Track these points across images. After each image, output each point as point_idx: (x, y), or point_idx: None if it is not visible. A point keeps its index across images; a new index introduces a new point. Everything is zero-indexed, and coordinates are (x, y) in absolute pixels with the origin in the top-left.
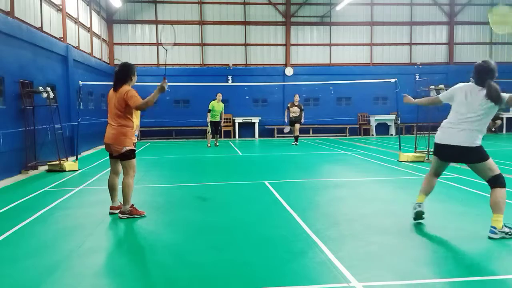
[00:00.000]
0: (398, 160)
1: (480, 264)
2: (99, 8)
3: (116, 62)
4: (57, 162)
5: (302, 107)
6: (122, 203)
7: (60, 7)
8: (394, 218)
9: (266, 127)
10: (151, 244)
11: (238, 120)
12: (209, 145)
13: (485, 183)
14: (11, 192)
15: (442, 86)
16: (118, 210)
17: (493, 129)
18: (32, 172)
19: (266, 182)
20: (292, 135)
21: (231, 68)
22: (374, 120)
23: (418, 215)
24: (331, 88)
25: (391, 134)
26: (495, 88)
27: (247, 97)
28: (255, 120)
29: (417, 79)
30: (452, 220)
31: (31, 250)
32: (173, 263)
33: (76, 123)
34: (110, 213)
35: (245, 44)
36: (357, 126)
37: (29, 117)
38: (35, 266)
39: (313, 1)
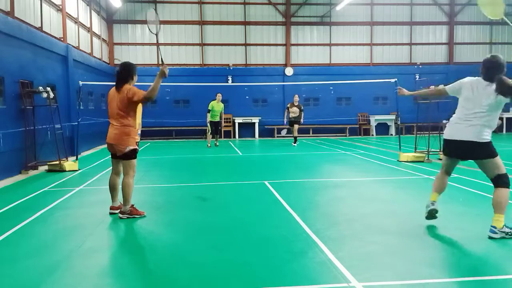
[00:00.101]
0: (398, 160)
1: (480, 264)
2: (99, 8)
3: (116, 62)
4: (57, 162)
5: (302, 108)
6: (122, 203)
7: (60, 7)
8: (394, 218)
9: (266, 127)
10: (151, 244)
11: (238, 120)
12: (209, 145)
13: (486, 183)
14: (11, 192)
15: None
16: (118, 210)
17: (494, 129)
18: (32, 172)
19: (266, 182)
20: (291, 135)
21: (231, 68)
22: (374, 120)
23: (431, 214)
24: (331, 88)
25: (391, 134)
26: (506, 82)
27: (247, 97)
28: (255, 120)
29: (417, 79)
30: (452, 220)
31: (31, 250)
32: (173, 263)
33: (76, 123)
34: (110, 213)
35: (245, 44)
36: (357, 126)
37: (29, 117)
38: (35, 266)
39: (313, 1)
